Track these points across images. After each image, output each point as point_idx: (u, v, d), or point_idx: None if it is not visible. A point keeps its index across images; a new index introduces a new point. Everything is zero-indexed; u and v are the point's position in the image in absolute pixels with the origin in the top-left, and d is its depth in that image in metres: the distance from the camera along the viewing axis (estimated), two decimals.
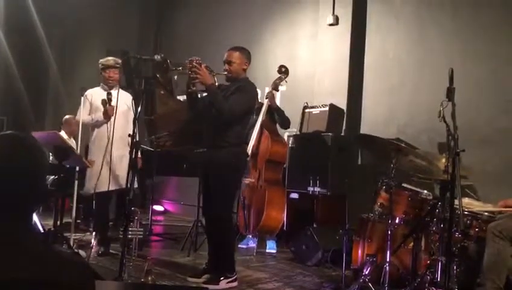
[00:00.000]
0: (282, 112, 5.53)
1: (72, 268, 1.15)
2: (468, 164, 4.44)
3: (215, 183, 3.73)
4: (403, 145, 3.32)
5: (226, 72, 3.79)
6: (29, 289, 1.07)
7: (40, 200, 1.22)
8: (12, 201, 1.14)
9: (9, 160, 1.14)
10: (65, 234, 4.37)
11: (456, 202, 2.72)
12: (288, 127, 5.63)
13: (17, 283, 1.05)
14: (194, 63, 3.57)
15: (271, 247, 5.27)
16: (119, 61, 4.71)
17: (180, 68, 3.66)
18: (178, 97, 7.21)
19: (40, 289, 1.07)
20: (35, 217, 5.24)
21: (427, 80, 5.51)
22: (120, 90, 4.65)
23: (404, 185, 3.66)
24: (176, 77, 3.76)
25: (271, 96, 5.31)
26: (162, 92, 6.56)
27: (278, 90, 5.50)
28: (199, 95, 3.97)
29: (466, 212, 3.21)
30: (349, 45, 6.08)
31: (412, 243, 3.31)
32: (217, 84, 3.81)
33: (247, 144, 4.52)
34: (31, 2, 8.76)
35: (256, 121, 5.12)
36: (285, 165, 5.56)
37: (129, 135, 3.58)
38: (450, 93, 2.81)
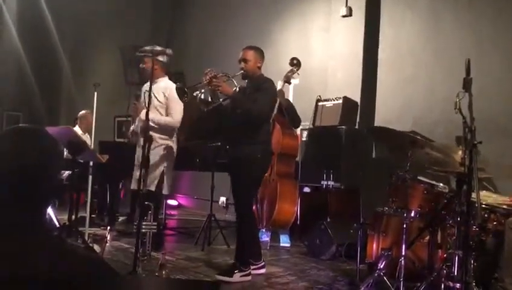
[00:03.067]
0: (293, 110, 5.46)
1: (87, 264, 1.14)
2: (485, 156, 4.36)
3: (242, 178, 3.80)
4: (419, 137, 3.26)
5: (241, 71, 3.89)
6: (44, 284, 1.06)
7: (54, 195, 1.20)
8: (25, 195, 1.13)
9: (21, 153, 1.13)
10: (80, 229, 4.40)
11: (473, 195, 2.67)
12: (299, 126, 5.58)
13: (31, 279, 1.05)
14: (213, 80, 3.64)
15: (285, 241, 5.26)
16: (151, 49, 4.15)
17: (199, 88, 3.72)
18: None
19: (55, 284, 1.06)
20: (51, 212, 5.31)
21: (442, 71, 5.42)
22: (158, 82, 4.26)
23: (420, 178, 3.60)
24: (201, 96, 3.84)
25: (281, 95, 5.25)
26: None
27: (290, 83, 5.45)
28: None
29: (484, 206, 3.15)
30: (363, 36, 6.01)
31: (427, 237, 3.27)
32: (235, 83, 3.89)
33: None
34: (43, 0, 8.82)
35: None
36: (297, 158, 5.52)
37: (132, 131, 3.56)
38: (466, 84, 2.74)
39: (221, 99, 3.87)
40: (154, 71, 4.01)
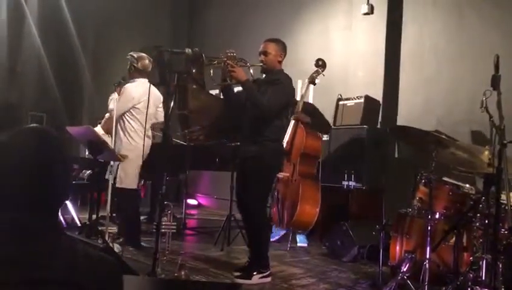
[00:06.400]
0: (321, 118, 5.37)
1: (98, 267, 1.12)
2: (510, 157, 4.22)
3: (250, 178, 3.71)
4: (443, 136, 3.16)
5: (261, 64, 3.76)
6: (55, 287, 1.04)
7: (62, 197, 1.18)
8: (36, 197, 1.11)
9: (29, 154, 1.11)
10: (100, 228, 4.42)
11: (503, 196, 2.57)
12: (328, 131, 5.48)
13: (42, 282, 1.03)
14: (228, 61, 3.53)
15: (302, 241, 5.20)
16: (131, 56, 4.66)
17: (215, 62, 3.63)
18: (210, 92, 7.21)
19: (65, 287, 1.04)
20: (72, 211, 5.36)
21: (467, 69, 5.29)
22: (127, 84, 4.56)
23: (445, 178, 3.50)
24: (211, 71, 3.72)
25: (302, 116, 5.14)
26: (194, 87, 6.55)
27: (314, 84, 5.36)
28: (235, 89, 3.97)
29: None
30: (385, 34, 5.91)
31: (453, 240, 3.16)
32: (252, 74, 3.76)
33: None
34: (64, 1, 8.94)
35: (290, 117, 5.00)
36: (319, 159, 5.45)
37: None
38: (495, 81, 2.64)
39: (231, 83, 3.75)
40: (132, 73, 4.58)
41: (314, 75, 5.18)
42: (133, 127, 4.49)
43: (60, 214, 4.23)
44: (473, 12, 5.37)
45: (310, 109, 5.34)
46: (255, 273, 3.62)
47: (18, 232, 1.07)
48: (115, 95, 4.56)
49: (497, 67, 2.66)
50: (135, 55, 4.61)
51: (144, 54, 4.66)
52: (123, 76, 4.69)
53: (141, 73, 4.59)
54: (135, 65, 4.56)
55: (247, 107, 3.73)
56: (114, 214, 5.97)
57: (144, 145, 4.34)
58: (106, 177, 4.59)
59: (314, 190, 5.17)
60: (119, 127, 4.52)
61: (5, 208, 1.09)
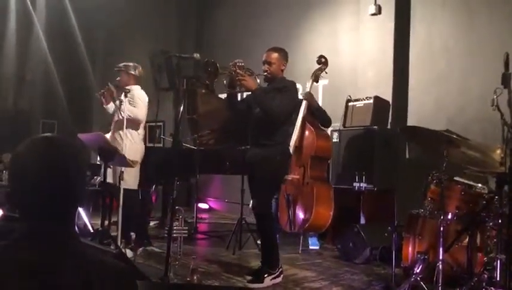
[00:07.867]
0: (323, 111, 5.35)
1: (112, 274, 1.13)
2: None
3: (259, 181, 3.78)
4: (454, 136, 3.14)
5: (265, 73, 3.83)
6: None
7: (77, 202, 1.19)
8: (53, 204, 1.12)
9: (41, 162, 1.12)
10: (113, 234, 4.44)
11: None
12: (330, 126, 5.47)
13: (56, 289, 1.04)
14: (238, 70, 3.63)
15: (314, 243, 5.18)
16: (121, 65, 4.76)
17: (226, 72, 3.70)
18: (219, 95, 7.24)
19: None
20: (84, 217, 5.40)
21: (477, 68, 5.24)
22: (133, 91, 4.61)
23: (457, 178, 3.47)
24: (225, 81, 3.82)
25: (310, 97, 5.15)
26: (204, 91, 6.57)
27: (317, 82, 5.33)
28: (239, 96, 4.06)
29: None
30: (393, 34, 5.88)
31: (466, 240, 3.14)
32: (259, 83, 3.86)
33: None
34: (70, 8, 9.04)
35: (295, 119, 4.99)
36: (329, 161, 5.42)
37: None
38: (505, 79, 2.62)
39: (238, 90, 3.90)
40: (129, 81, 4.64)
41: (318, 72, 5.13)
42: (135, 131, 4.62)
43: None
44: (483, 9, 5.32)
45: (315, 106, 5.30)
46: (266, 275, 3.64)
47: (34, 239, 1.09)
48: (110, 105, 4.69)
49: (507, 65, 2.65)
50: (130, 64, 4.74)
51: (135, 64, 4.80)
52: (116, 81, 4.76)
53: (136, 79, 4.72)
54: (132, 72, 4.67)
55: (253, 113, 3.81)
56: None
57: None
58: (108, 180, 4.63)
59: (328, 192, 5.11)
60: (121, 131, 4.58)
61: (21, 216, 1.11)
